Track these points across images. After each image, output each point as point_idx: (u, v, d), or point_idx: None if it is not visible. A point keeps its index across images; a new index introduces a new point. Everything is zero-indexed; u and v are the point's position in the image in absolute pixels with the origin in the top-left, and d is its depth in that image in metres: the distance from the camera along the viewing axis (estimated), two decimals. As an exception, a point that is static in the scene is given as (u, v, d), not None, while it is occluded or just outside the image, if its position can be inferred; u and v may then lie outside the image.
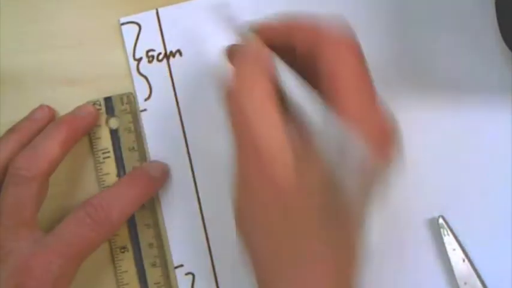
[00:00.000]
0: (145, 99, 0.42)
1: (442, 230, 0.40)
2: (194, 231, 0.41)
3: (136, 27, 0.43)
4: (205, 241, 0.41)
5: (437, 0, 0.43)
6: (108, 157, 0.42)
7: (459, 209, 0.41)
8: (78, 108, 0.41)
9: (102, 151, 0.42)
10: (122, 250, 0.41)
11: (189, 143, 0.42)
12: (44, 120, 0.41)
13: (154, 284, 0.40)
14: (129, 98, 0.42)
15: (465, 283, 0.39)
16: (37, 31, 0.44)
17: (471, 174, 0.41)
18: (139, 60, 0.43)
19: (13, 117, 0.42)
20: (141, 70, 0.43)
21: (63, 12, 0.44)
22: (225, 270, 0.41)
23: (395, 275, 0.40)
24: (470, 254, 0.40)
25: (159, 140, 0.42)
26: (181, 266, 0.41)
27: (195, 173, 0.42)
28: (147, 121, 0.42)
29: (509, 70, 0.42)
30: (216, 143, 0.41)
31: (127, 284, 0.41)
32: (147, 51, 0.43)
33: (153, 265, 0.41)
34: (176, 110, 0.42)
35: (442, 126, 0.42)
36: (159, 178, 0.41)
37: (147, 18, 0.43)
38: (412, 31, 0.43)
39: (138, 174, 0.40)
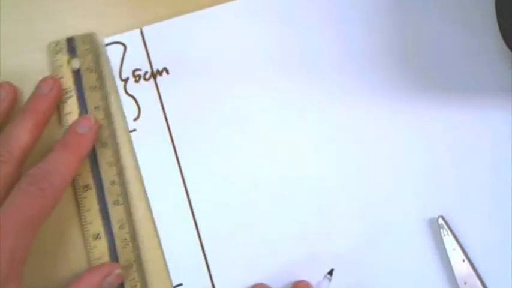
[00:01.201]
0: (135, 119, 0.42)
1: (441, 230, 0.40)
2: (192, 249, 0.41)
3: (121, 47, 0.43)
4: (203, 259, 0.41)
5: (436, 1, 0.43)
6: (71, 96, 0.42)
7: (459, 209, 0.41)
8: (40, 85, 0.41)
9: (65, 91, 0.42)
10: (85, 188, 0.41)
11: (180, 161, 0.42)
12: (6, 100, 0.41)
13: (117, 221, 0.41)
14: (91, 38, 0.43)
15: (465, 283, 0.39)
16: (37, 31, 0.43)
17: (471, 174, 0.41)
18: (126, 80, 0.42)
19: (13, 117, 0.42)
20: (129, 90, 0.42)
21: (64, 13, 0.44)
22: (224, 287, 0.41)
23: (395, 275, 0.40)
24: (470, 254, 0.40)
25: (150, 159, 0.42)
26: (180, 285, 0.40)
27: (189, 191, 0.41)
28: (137, 141, 0.42)
29: (509, 70, 0.42)
30: (208, 160, 0.42)
31: (90, 222, 0.41)
32: (134, 71, 0.43)
33: (116, 203, 0.41)
34: (166, 128, 0.42)
35: (442, 126, 0.42)
36: (88, 134, 0.41)
37: (131, 37, 0.43)
38: (412, 32, 0.43)
39: (67, 136, 0.41)
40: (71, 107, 0.42)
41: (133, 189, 0.42)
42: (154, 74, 0.43)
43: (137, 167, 0.42)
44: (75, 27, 0.44)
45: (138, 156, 0.42)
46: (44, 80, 0.41)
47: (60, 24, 0.44)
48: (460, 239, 0.40)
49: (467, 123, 0.42)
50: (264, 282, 0.40)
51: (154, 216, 0.41)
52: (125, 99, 0.42)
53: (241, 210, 0.41)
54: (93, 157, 0.41)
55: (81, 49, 0.42)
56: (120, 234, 0.40)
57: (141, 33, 0.43)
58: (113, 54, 0.43)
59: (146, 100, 0.42)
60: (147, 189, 0.41)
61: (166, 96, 0.42)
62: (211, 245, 0.41)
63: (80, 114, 0.42)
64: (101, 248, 0.40)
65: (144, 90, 0.42)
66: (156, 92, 0.42)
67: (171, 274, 0.40)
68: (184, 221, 0.41)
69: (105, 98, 0.42)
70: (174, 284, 0.40)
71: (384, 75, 0.42)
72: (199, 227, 0.41)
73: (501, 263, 0.40)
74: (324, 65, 0.43)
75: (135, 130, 0.42)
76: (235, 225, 0.41)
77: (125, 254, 0.40)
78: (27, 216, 0.36)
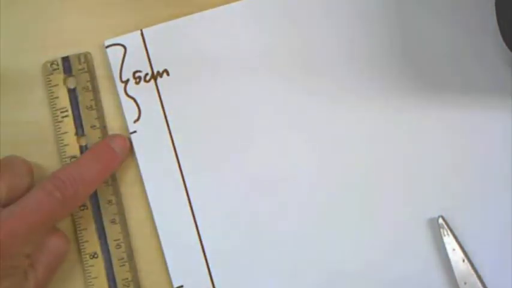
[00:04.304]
0: (135, 121, 0.42)
1: (442, 230, 0.40)
2: (192, 251, 0.41)
3: (121, 49, 0.43)
4: (203, 260, 0.41)
5: (436, 1, 0.43)
6: (67, 116, 0.42)
7: (459, 209, 0.41)
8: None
9: (61, 110, 0.42)
10: (82, 208, 0.41)
11: (181, 162, 0.42)
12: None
13: (114, 240, 0.41)
14: (87, 57, 0.43)
15: (465, 283, 0.39)
16: (37, 31, 0.44)
17: (471, 174, 0.41)
18: (126, 82, 0.42)
19: (13, 117, 0.43)
20: (129, 92, 0.42)
21: (64, 13, 0.44)
22: (225, 288, 0.41)
23: (395, 275, 0.40)
24: (470, 254, 0.40)
25: (150, 161, 0.42)
26: (181, 286, 0.40)
27: (189, 192, 0.41)
28: (137, 143, 0.42)
29: (509, 70, 0.42)
30: (209, 161, 0.42)
31: (86, 241, 0.41)
32: (134, 73, 0.43)
33: (113, 222, 0.41)
34: (166, 130, 0.42)
35: (442, 126, 0.42)
36: (120, 154, 0.41)
37: (132, 39, 0.43)
38: (412, 31, 0.43)
39: (101, 149, 0.41)
40: (67, 127, 0.42)
41: (133, 190, 0.42)
42: (155, 76, 0.43)
43: (137, 168, 0.42)
44: (76, 28, 0.44)
45: (138, 157, 0.42)
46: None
47: (60, 26, 0.44)
48: (460, 239, 0.40)
49: (467, 123, 0.42)
50: (265, 282, 0.41)
51: (154, 217, 0.41)
52: (125, 101, 0.42)
53: (242, 211, 0.41)
54: None
55: (77, 68, 0.43)
56: (117, 253, 0.41)
57: (142, 34, 0.43)
58: (113, 56, 0.43)
59: (146, 102, 0.42)
60: (147, 190, 0.41)
61: (166, 97, 0.42)
62: (211, 246, 0.41)
63: (76, 134, 0.42)
64: (97, 267, 0.41)
65: (144, 91, 0.42)
66: (156, 93, 0.42)
67: (172, 275, 0.40)
68: (185, 222, 0.41)
69: (101, 117, 0.42)
70: (175, 286, 0.40)
71: (383, 75, 0.42)
72: (199, 228, 0.41)
73: (501, 263, 0.40)
74: (326, 66, 0.43)
75: (135, 132, 0.42)
76: (236, 226, 0.41)
77: (122, 273, 0.41)
78: (41, 217, 0.36)
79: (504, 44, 0.40)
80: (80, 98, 0.42)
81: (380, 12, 0.43)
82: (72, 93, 0.42)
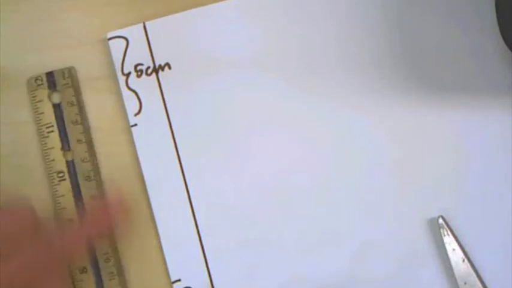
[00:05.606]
0: (135, 114, 0.42)
1: (442, 230, 0.40)
2: (190, 245, 0.41)
3: (123, 42, 0.43)
4: (201, 255, 0.41)
5: (436, 1, 0.43)
6: (52, 131, 0.42)
7: (459, 209, 0.41)
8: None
9: (46, 125, 0.42)
10: (69, 222, 0.41)
11: (181, 156, 0.42)
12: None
13: (103, 254, 0.41)
14: (71, 72, 0.43)
15: (465, 283, 0.39)
16: (38, 31, 0.44)
17: (471, 175, 0.41)
18: (127, 75, 0.43)
19: (13, 117, 0.43)
20: (130, 85, 0.42)
21: (65, 12, 0.44)
22: (222, 283, 0.41)
23: (395, 275, 0.40)
24: (470, 254, 0.40)
25: (150, 154, 0.42)
26: (179, 280, 0.40)
27: (188, 186, 0.41)
28: (138, 136, 0.42)
29: (509, 70, 0.42)
30: (209, 155, 0.42)
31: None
32: (136, 66, 0.43)
33: (111, 279, 0.41)
34: (167, 123, 0.42)
35: (442, 126, 0.42)
36: (117, 218, 0.41)
37: (134, 32, 0.43)
38: (412, 32, 0.43)
39: (101, 214, 0.41)
40: (53, 142, 0.42)
41: (133, 184, 0.42)
42: (156, 69, 0.43)
43: (138, 162, 0.42)
44: (76, 28, 0.44)
45: (139, 150, 0.42)
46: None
47: (60, 26, 0.44)
48: (460, 239, 0.40)
49: (467, 123, 0.42)
50: (262, 277, 0.40)
51: (153, 211, 0.41)
52: (126, 94, 0.42)
53: (241, 206, 0.41)
54: (77, 190, 0.41)
55: (61, 83, 0.43)
56: (106, 267, 0.41)
57: (144, 27, 0.43)
58: (115, 48, 0.43)
59: (148, 95, 0.42)
60: (147, 183, 0.41)
61: (167, 91, 0.42)
62: (209, 240, 0.41)
63: (62, 148, 0.42)
64: (87, 281, 0.40)
65: (145, 85, 0.42)
66: (157, 87, 0.43)
67: (170, 269, 0.40)
68: (184, 216, 0.41)
69: (86, 131, 0.42)
70: (173, 280, 0.40)
71: (383, 75, 0.43)
72: (198, 223, 0.41)
73: (501, 263, 0.40)
74: (326, 65, 0.43)
75: (136, 125, 0.42)
76: (234, 221, 0.41)
77: (111, 287, 0.40)
78: (33, 274, 0.36)
79: (504, 44, 0.41)
80: (65, 113, 0.42)
81: (380, 13, 0.43)
82: (57, 108, 0.42)
